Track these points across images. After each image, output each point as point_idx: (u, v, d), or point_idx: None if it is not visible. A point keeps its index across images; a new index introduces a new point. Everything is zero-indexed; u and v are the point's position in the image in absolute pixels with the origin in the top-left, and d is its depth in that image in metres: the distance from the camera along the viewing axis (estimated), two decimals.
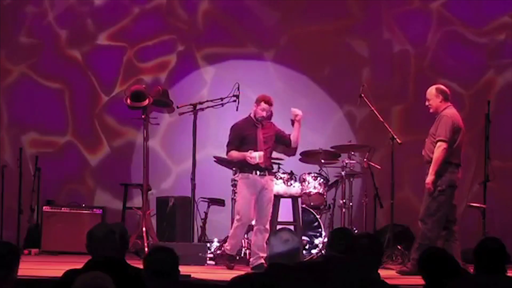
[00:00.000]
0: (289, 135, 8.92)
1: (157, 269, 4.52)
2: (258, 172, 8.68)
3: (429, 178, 8.16)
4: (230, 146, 8.79)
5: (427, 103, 8.43)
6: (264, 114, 8.70)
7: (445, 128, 8.20)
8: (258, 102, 8.76)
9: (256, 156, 8.60)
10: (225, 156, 9.82)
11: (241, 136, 8.74)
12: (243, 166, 8.72)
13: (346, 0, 10.95)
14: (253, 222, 9.36)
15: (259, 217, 8.81)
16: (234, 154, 8.76)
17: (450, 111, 8.35)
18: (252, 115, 8.78)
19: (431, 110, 8.43)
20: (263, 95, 8.84)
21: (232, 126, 8.85)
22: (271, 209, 8.79)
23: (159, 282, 4.51)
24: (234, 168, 10.01)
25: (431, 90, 8.42)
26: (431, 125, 8.42)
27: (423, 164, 8.41)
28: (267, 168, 8.74)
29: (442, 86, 8.50)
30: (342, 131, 10.74)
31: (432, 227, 8.21)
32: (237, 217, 8.78)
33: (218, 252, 9.69)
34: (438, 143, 8.18)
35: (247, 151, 8.63)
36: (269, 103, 8.73)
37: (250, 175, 8.68)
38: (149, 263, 4.59)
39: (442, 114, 8.30)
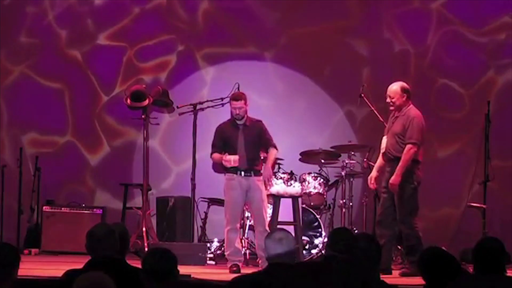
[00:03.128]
0: (269, 143, 8.78)
1: (155, 272, 4.52)
2: (242, 173, 8.66)
3: (396, 179, 8.14)
4: (213, 148, 8.81)
5: (389, 100, 8.37)
6: (237, 111, 8.66)
7: (418, 132, 8.20)
8: (230, 102, 8.80)
9: (230, 159, 8.60)
10: None
11: (223, 138, 8.75)
12: (228, 167, 8.71)
13: (346, 0, 10.95)
14: (252, 222, 9.37)
15: (255, 219, 8.83)
16: (215, 156, 8.79)
17: (417, 112, 8.33)
18: (231, 116, 8.80)
19: (392, 108, 8.41)
20: (232, 94, 8.88)
21: (216, 128, 8.87)
22: (265, 209, 8.77)
23: (158, 284, 4.50)
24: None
25: (396, 89, 8.35)
26: (391, 122, 8.40)
27: (383, 161, 8.44)
28: (252, 169, 8.70)
29: (405, 85, 8.44)
30: (342, 131, 10.73)
31: (412, 224, 8.22)
32: (225, 221, 8.76)
33: (218, 252, 9.70)
34: (409, 145, 8.17)
35: (231, 151, 8.66)
36: (237, 99, 8.68)
37: (235, 175, 8.67)
38: (146, 266, 4.58)
39: (411, 115, 8.26)
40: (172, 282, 4.56)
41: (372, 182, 8.48)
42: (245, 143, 8.68)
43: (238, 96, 8.74)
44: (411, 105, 8.36)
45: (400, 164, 8.15)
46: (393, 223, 8.29)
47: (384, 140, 8.50)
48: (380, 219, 8.40)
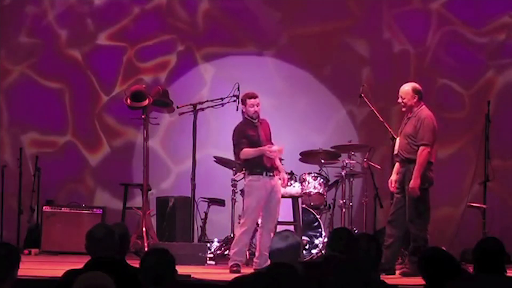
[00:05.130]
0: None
1: (153, 272, 4.50)
2: (267, 173, 8.51)
3: (415, 182, 8.11)
4: (240, 145, 8.53)
5: (400, 101, 8.38)
6: (255, 108, 8.56)
7: (429, 133, 8.19)
8: (243, 102, 8.64)
9: (276, 149, 8.45)
10: (227, 157, 9.84)
11: (246, 137, 8.56)
12: (254, 167, 8.50)
13: (346, 0, 10.95)
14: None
15: (267, 218, 8.61)
16: (250, 151, 8.52)
17: (428, 113, 8.32)
18: (246, 117, 8.66)
19: (403, 109, 8.41)
20: (244, 94, 8.71)
21: (234, 129, 8.68)
22: (279, 210, 8.71)
23: (156, 284, 4.49)
24: (234, 168, 10.00)
25: (408, 90, 8.35)
26: (404, 124, 8.40)
27: (397, 162, 8.43)
28: (273, 169, 8.59)
29: (417, 85, 8.44)
30: (343, 131, 10.73)
31: (422, 226, 8.21)
32: (242, 221, 8.61)
33: (218, 252, 9.69)
34: (422, 147, 8.15)
35: None
36: (254, 97, 8.60)
37: (261, 177, 8.48)
38: (144, 266, 4.57)
39: (422, 116, 8.26)
40: (170, 282, 4.55)
41: (393, 185, 8.44)
42: (265, 141, 8.60)
43: (253, 94, 8.62)
44: (423, 106, 8.36)
45: (416, 167, 8.12)
46: (404, 224, 8.27)
47: (397, 141, 8.50)
48: (391, 218, 8.38)
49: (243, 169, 8.77)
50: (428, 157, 8.18)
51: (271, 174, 8.56)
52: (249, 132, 8.58)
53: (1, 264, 4.44)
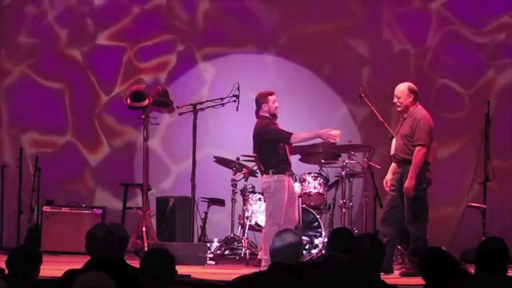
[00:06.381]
0: None
1: (153, 273, 4.51)
2: (288, 171, 8.39)
3: (410, 182, 8.10)
4: (286, 132, 8.26)
5: (395, 100, 8.36)
6: (277, 104, 8.40)
7: (425, 133, 8.19)
8: (264, 100, 8.39)
9: (336, 133, 8.26)
10: (227, 157, 9.82)
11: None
12: (280, 164, 8.30)
13: (346, 0, 10.95)
14: (252, 222, 9.36)
15: (285, 220, 8.34)
16: (303, 134, 8.38)
17: (424, 113, 8.31)
18: (267, 114, 8.42)
19: (399, 109, 8.41)
20: (262, 92, 8.52)
21: (261, 126, 8.38)
22: (299, 209, 8.68)
23: (156, 284, 4.50)
24: (234, 168, 10.00)
25: (403, 89, 8.34)
26: (400, 124, 8.41)
27: (394, 163, 8.42)
28: (291, 167, 8.52)
29: (413, 85, 8.43)
30: (343, 131, 10.68)
31: (421, 227, 8.21)
32: (270, 222, 8.25)
33: (218, 252, 9.69)
34: (418, 148, 8.15)
35: (280, 149, 8.30)
36: (274, 93, 8.48)
37: (285, 176, 8.34)
38: (144, 266, 4.57)
39: (418, 116, 8.25)
40: (170, 282, 4.56)
41: (389, 185, 8.44)
42: None
43: (272, 91, 8.49)
44: (419, 106, 8.35)
45: (412, 167, 8.12)
46: (398, 222, 8.26)
47: (393, 142, 8.50)
48: (385, 217, 8.37)
49: (266, 167, 8.36)
50: (424, 158, 8.18)
51: (290, 173, 8.45)
52: (277, 127, 8.41)
53: (23, 266, 4.52)
